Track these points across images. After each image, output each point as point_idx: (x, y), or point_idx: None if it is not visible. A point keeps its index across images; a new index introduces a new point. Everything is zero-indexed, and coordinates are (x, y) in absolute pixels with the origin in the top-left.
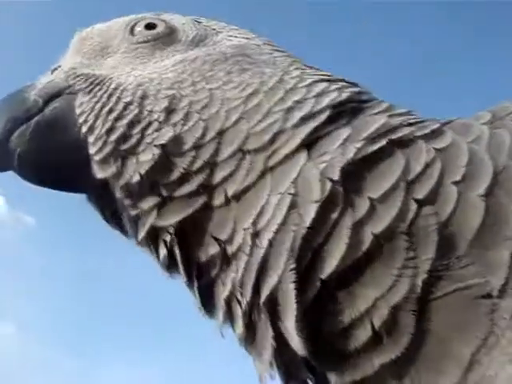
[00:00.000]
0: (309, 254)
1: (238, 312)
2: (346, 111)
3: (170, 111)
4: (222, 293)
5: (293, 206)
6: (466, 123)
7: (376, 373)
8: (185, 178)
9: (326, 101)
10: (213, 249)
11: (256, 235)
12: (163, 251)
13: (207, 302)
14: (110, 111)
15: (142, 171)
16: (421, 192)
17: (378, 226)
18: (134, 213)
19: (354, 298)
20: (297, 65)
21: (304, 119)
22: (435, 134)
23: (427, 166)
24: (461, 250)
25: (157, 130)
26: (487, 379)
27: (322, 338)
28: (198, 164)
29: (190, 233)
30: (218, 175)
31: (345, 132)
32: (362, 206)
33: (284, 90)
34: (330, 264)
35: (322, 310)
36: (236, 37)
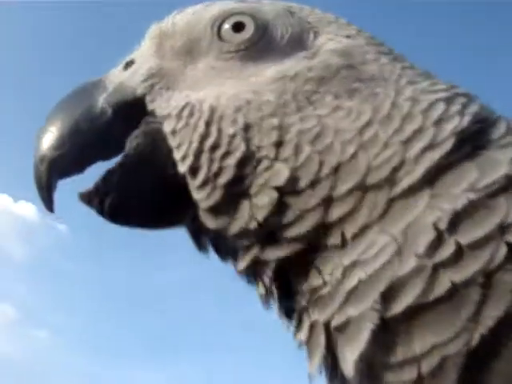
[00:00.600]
0: (392, 295)
1: (320, 339)
2: (469, 138)
3: (278, 144)
4: (310, 318)
5: (397, 252)
6: None
7: None
8: (298, 218)
9: (447, 128)
10: (316, 281)
11: (351, 270)
12: (265, 281)
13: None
14: (215, 147)
15: (260, 217)
16: None
17: (461, 273)
18: (236, 245)
19: (411, 339)
20: (407, 74)
21: (425, 150)
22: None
23: None
24: None
25: (269, 168)
26: None
27: (372, 370)
28: (313, 202)
29: (294, 264)
30: (335, 213)
31: (470, 173)
32: (447, 249)
33: (400, 117)
34: (401, 304)
35: (379, 344)
36: (337, 35)
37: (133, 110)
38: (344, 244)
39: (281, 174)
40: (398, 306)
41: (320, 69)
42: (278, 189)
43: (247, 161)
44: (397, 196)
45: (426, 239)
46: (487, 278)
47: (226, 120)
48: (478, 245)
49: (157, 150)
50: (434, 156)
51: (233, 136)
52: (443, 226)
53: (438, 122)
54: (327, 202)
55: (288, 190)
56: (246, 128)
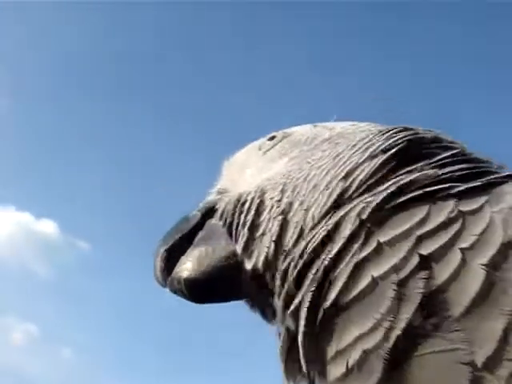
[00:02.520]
0: (326, 284)
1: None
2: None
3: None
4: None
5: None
6: (502, 192)
7: None
8: None
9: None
10: None
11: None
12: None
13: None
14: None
15: None
16: (427, 248)
17: (380, 269)
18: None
19: (343, 332)
20: None
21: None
22: (470, 196)
23: (440, 226)
24: (454, 314)
25: None
26: None
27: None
28: None
29: None
30: None
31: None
32: (370, 247)
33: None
34: (331, 296)
35: (321, 338)
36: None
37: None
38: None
39: None
40: (329, 299)
41: None
42: None
43: None
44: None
45: (349, 225)
46: (401, 280)
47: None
48: (394, 243)
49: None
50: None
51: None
52: (364, 216)
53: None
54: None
55: None
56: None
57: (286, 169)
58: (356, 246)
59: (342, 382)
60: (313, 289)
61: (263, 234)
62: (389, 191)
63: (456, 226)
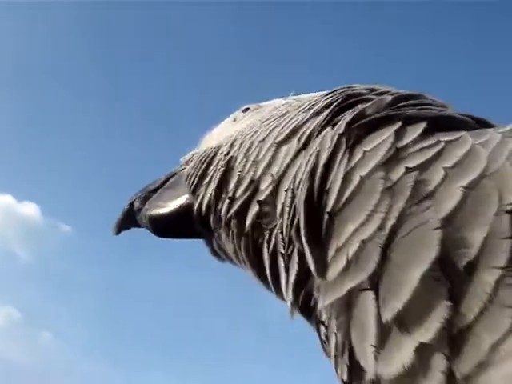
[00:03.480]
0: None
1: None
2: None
3: None
4: None
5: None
6: (486, 131)
7: (350, 293)
8: None
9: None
10: None
11: (279, 184)
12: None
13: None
14: None
15: None
16: (412, 163)
17: (364, 169)
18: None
19: (341, 230)
20: None
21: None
22: (449, 131)
23: (423, 148)
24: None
25: None
26: None
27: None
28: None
29: None
30: None
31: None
32: (358, 156)
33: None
34: (331, 199)
35: (324, 241)
36: None
37: None
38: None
39: None
40: (329, 203)
41: None
42: None
43: None
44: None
45: (329, 141)
46: (386, 173)
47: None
48: (377, 152)
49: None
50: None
51: None
52: (340, 129)
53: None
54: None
55: None
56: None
57: (241, 127)
58: (343, 157)
59: (343, 276)
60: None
61: (209, 182)
62: (353, 114)
63: (437, 148)
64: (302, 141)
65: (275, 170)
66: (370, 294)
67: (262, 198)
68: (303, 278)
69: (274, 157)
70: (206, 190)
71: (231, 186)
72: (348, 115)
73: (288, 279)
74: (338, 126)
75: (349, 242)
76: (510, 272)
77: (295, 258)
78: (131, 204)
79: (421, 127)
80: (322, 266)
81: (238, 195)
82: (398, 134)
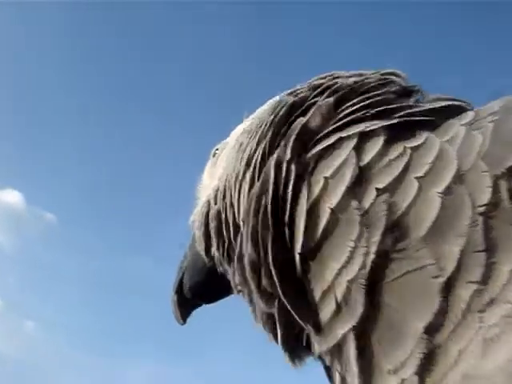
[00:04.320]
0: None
1: None
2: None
3: None
4: None
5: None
6: (450, 123)
7: (342, 341)
8: None
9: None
10: None
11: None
12: None
13: None
14: None
15: None
16: (381, 182)
17: (333, 199)
18: None
19: (323, 270)
20: None
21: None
22: (412, 134)
23: (391, 160)
24: (416, 238)
25: None
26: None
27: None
28: None
29: None
30: None
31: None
32: (319, 185)
33: None
34: (299, 238)
35: (303, 285)
36: None
37: None
38: None
39: None
40: (298, 243)
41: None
42: None
43: None
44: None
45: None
46: (357, 200)
47: None
48: (336, 173)
49: None
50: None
51: None
52: (286, 157)
53: None
54: None
55: None
56: None
57: (219, 172)
58: (299, 188)
59: (334, 321)
60: (271, 243)
61: (213, 240)
62: (295, 134)
63: (406, 158)
64: (256, 173)
65: (241, 215)
66: (352, 343)
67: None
68: (290, 328)
69: (239, 198)
70: (216, 249)
71: (226, 239)
72: (292, 136)
73: (277, 333)
74: (279, 150)
75: (335, 283)
76: (482, 285)
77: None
78: (176, 292)
79: (381, 138)
80: (308, 314)
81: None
82: (358, 151)
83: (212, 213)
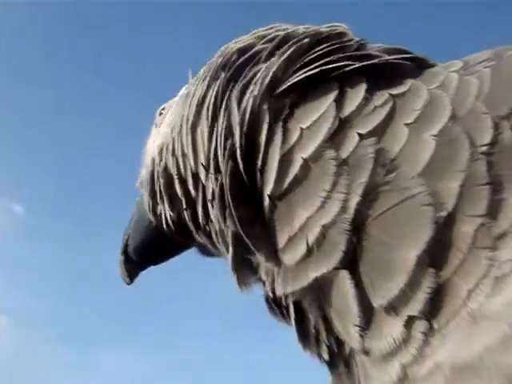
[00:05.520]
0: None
1: None
2: None
3: None
4: None
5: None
6: (435, 71)
7: (318, 281)
8: None
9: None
10: None
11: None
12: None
13: None
14: None
15: None
16: (364, 128)
17: (306, 150)
18: None
19: (292, 217)
20: None
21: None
22: (394, 82)
23: (376, 107)
24: (408, 176)
25: None
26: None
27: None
28: None
29: None
30: None
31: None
32: (294, 134)
33: None
34: (269, 183)
35: (271, 227)
36: None
37: None
38: None
39: None
40: (267, 186)
41: None
42: None
43: None
44: None
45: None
46: (335, 150)
47: None
48: (318, 127)
49: None
50: None
51: None
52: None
53: None
54: None
55: None
56: None
57: (163, 130)
58: (273, 135)
59: (304, 264)
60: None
61: (161, 198)
62: (266, 80)
63: (389, 105)
64: (210, 115)
65: (202, 158)
66: (347, 278)
67: (208, 193)
68: (243, 256)
69: (194, 144)
70: (163, 207)
71: (180, 192)
72: (259, 81)
73: (229, 257)
74: (249, 94)
75: (305, 229)
76: (489, 219)
77: (230, 238)
78: (123, 252)
79: (362, 86)
80: (270, 252)
81: (193, 196)
82: (339, 102)
83: (158, 170)
